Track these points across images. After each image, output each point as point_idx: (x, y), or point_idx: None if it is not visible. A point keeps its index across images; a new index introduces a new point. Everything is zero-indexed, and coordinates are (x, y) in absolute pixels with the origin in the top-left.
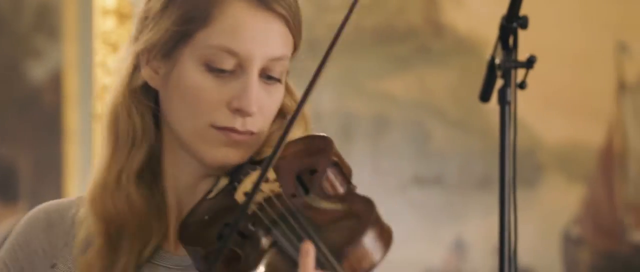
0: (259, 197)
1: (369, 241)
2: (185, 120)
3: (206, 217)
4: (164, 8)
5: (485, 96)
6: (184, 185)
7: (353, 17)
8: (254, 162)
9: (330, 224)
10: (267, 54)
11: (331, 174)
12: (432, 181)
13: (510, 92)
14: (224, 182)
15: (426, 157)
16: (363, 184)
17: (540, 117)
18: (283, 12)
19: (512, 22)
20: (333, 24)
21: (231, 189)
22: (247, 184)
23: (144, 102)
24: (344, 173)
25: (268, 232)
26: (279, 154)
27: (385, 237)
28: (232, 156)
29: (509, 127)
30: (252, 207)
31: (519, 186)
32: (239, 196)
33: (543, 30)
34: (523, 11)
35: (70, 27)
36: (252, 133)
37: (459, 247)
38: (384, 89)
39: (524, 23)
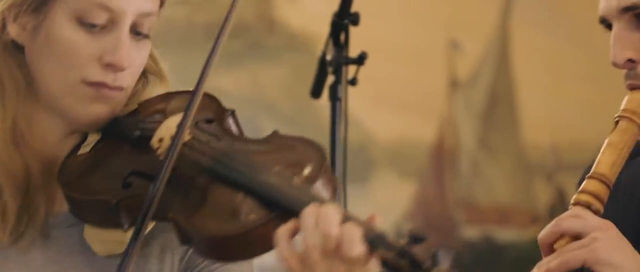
0: (168, 141)
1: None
2: (54, 76)
3: (96, 170)
4: None
5: (316, 92)
6: (51, 144)
7: (184, 12)
8: (121, 117)
9: (263, 156)
10: (138, 9)
11: (230, 122)
12: None
13: (341, 88)
14: (94, 137)
15: None
16: None
17: (372, 113)
18: None
19: (344, 19)
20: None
21: (119, 139)
22: (162, 131)
23: (15, 58)
24: (239, 123)
25: (204, 172)
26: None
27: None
28: (104, 112)
29: (339, 123)
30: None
31: (350, 182)
32: (155, 143)
33: (375, 27)
34: (355, 8)
35: None
36: (122, 88)
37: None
38: (216, 85)
39: (355, 20)
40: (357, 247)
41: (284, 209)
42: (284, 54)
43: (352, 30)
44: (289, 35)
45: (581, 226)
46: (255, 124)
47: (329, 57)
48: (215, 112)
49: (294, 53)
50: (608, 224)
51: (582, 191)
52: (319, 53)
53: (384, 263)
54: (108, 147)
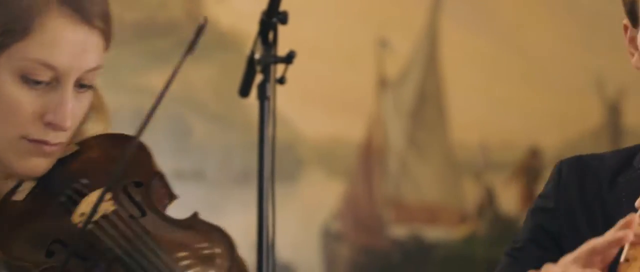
0: (96, 216)
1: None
2: None
3: (24, 226)
4: None
5: (244, 91)
6: None
7: (114, 11)
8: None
9: (177, 248)
10: (84, 67)
11: (157, 186)
12: (193, 176)
13: (269, 87)
14: (29, 184)
15: (187, 152)
16: None
17: (301, 112)
18: (100, 24)
19: (272, 17)
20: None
21: (49, 198)
22: (82, 207)
23: None
24: (167, 184)
25: (110, 253)
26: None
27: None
28: (42, 166)
29: (268, 122)
30: (90, 226)
31: (279, 181)
32: (76, 218)
33: (304, 26)
34: (283, 6)
35: None
36: (61, 144)
37: None
38: (145, 84)
39: (283, 18)
40: None
41: None
42: (212, 53)
43: (281, 29)
44: (218, 33)
45: None
46: (184, 123)
47: (257, 55)
48: (145, 173)
49: (223, 52)
50: None
51: None
52: (247, 52)
53: None
54: (39, 200)
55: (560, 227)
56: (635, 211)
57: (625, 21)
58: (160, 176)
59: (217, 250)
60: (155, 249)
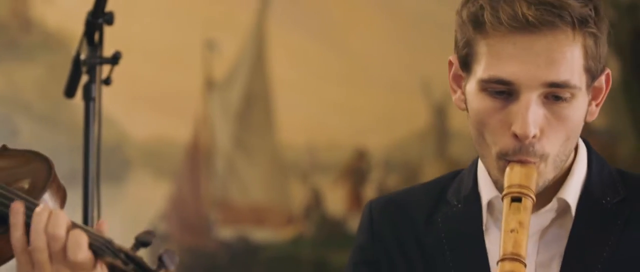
0: None
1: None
2: None
3: None
4: None
5: (70, 92)
6: None
7: None
8: None
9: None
10: None
11: None
12: None
13: (95, 88)
14: None
15: None
16: None
17: (127, 113)
18: None
19: (98, 18)
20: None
21: None
22: None
23: None
24: None
25: None
26: None
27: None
28: None
29: (93, 122)
30: None
31: (105, 182)
32: None
33: (130, 27)
34: (109, 7)
35: None
36: None
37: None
38: None
39: (109, 19)
40: (82, 252)
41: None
42: (39, 53)
43: (107, 29)
44: (45, 34)
45: None
46: (10, 123)
47: (83, 56)
48: None
49: (50, 52)
50: None
51: None
52: (73, 52)
53: (112, 269)
54: None
55: None
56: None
57: (453, 58)
58: None
59: (33, 169)
60: None
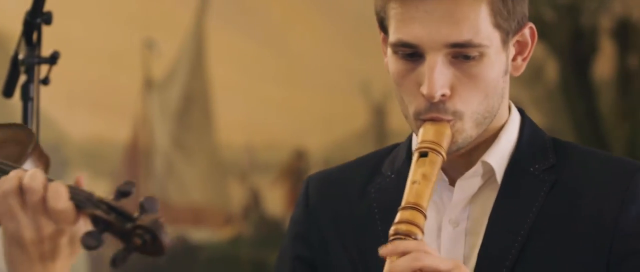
0: None
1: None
2: None
3: None
4: None
5: (8, 92)
6: None
7: None
8: None
9: None
10: None
11: None
12: None
13: (33, 88)
14: None
15: None
16: None
17: (66, 113)
18: None
19: (36, 18)
20: None
21: None
22: None
23: None
24: None
25: None
26: None
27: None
28: None
29: (31, 122)
30: None
31: None
32: None
33: (69, 27)
34: (48, 7)
35: None
36: None
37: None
38: None
39: (48, 19)
40: (62, 201)
41: None
42: None
43: (46, 29)
44: None
45: (443, 265)
46: None
47: (21, 56)
48: None
49: None
50: (459, 263)
51: (403, 222)
52: (11, 52)
53: (95, 220)
54: None
55: (316, 253)
56: (388, 225)
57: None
58: None
59: (15, 137)
60: None
